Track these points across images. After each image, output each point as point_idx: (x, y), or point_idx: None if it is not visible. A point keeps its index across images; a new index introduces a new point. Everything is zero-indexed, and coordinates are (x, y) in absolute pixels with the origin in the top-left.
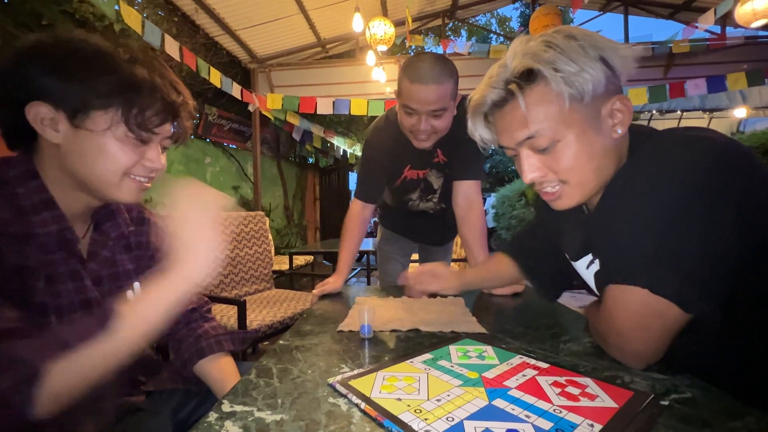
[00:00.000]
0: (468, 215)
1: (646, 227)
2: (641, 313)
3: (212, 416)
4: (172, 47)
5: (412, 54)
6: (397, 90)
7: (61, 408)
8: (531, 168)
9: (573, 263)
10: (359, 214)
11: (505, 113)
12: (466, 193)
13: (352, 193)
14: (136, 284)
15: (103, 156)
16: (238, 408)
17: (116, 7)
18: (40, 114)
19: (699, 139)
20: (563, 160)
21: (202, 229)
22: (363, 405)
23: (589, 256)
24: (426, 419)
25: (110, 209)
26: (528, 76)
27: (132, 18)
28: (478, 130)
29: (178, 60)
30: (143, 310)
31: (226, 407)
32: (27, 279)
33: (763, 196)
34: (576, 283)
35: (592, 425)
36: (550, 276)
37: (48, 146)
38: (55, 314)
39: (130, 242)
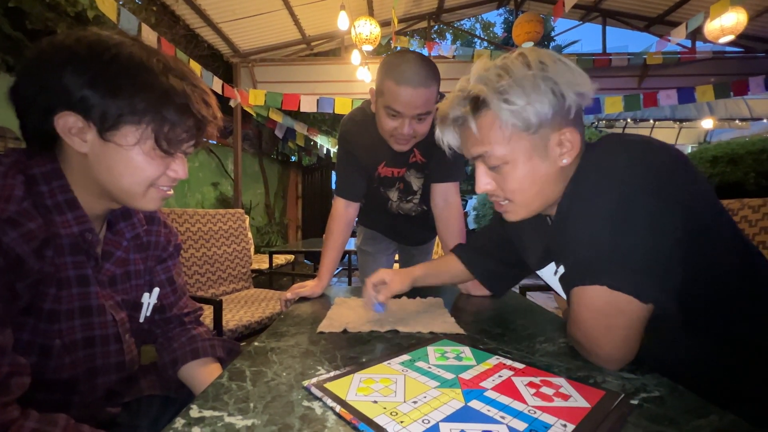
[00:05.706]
0: (446, 216)
1: (598, 229)
2: (604, 312)
3: (179, 422)
4: (149, 37)
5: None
6: (376, 89)
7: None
8: (483, 181)
9: (538, 272)
10: (343, 214)
11: (464, 128)
12: (444, 194)
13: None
14: (156, 289)
15: (130, 169)
16: (207, 413)
17: None
18: (68, 124)
19: (632, 143)
20: (509, 182)
21: None
22: (338, 408)
23: (553, 264)
24: (402, 422)
25: (126, 209)
26: (479, 103)
27: (107, 5)
28: (446, 137)
29: None
30: None
31: (195, 413)
32: (41, 285)
33: (696, 191)
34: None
35: (565, 425)
36: (492, 272)
37: (74, 153)
38: (58, 321)
39: (143, 241)
